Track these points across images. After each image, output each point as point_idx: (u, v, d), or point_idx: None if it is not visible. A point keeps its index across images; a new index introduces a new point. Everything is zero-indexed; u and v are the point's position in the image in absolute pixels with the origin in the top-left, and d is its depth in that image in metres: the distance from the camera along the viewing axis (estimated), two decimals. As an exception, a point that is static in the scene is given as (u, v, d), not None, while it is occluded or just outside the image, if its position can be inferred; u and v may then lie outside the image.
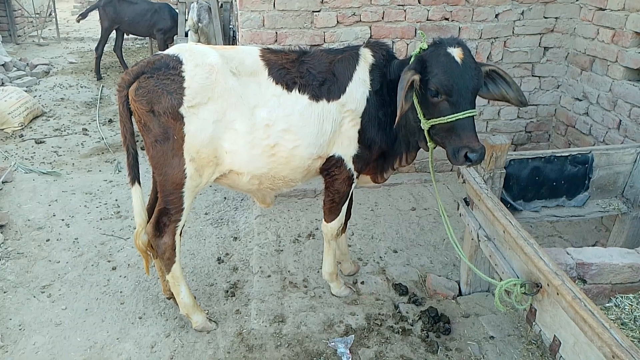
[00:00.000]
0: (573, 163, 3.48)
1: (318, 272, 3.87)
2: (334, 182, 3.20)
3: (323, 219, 3.40)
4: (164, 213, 3.02)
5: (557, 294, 2.30)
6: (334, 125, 3.00)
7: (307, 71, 2.97)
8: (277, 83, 2.92)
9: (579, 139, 4.93)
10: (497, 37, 4.85)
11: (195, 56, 2.79)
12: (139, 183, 3.01)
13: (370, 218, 4.66)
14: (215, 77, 2.77)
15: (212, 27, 7.71)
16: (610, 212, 3.64)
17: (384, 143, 3.13)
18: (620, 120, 4.35)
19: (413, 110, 2.84)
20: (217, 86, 2.77)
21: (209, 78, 2.76)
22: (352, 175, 3.18)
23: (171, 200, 2.96)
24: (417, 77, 2.68)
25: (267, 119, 2.88)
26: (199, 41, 7.54)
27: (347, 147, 3.08)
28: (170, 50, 2.89)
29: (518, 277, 2.70)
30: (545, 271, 2.39)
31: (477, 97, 2.77)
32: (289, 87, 2.93)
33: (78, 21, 10.12)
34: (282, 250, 4.18)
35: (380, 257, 4.12)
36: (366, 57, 3.04)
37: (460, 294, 3.72)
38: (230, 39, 8.10)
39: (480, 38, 4.84)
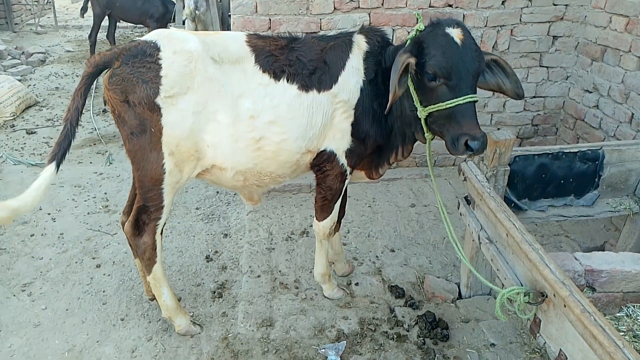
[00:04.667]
0: (582, 160, 3.26)
1: (310, 272, 3.67)
2: (326, 179, 2.99)
3: (314, 217, 3.20)
4: (143, 211, 2.83)
5: (565, 306, 2.10)
6: (325, 117, 2.79)
7: (296, 59, 2.76)
8: (264, 71, 2.71)
9: (588, 133, 4.69)
10: (503, 25, 4.60)
11: (174, 43, 2.58)
12: (57, 166, 2.49)
13: (367, 215, 4.45)
14: (194, 65, 2.57)
15: (209, 14, 7.47)
16: (621, 212, 3.42)
17: (379, 136, 2.92)
18: (633, 114, 4.12)
19: (409, 97, 2.64)
20: (197, 75, 2.57)
21: (188, 66, 2.56)
22: (345, 171, 2.98)
23: (150, 197, 2.77)
24: (412, 60, 2.48)
25: (252, 110, 2.68)
26: (196, 29, 7.32)
27: (339, 141, 2.88)
28: (147, 37, 2.69)
29: (522, 284, 2.51)
30: (551, 280, 2.18)
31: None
32: (276, 76, 2.72)
33: (82, 15, 10.14)
34: (273, 249, 3.98)
35: (377, 256, 3.92)
36: (360, 44, 2.83)
37: (460, 297, 3.52)
38: (229, 26, 7.87)
39: (485, 26, 4.60)
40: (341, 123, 2.83)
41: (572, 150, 3.23)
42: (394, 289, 3.51)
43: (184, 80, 2.55)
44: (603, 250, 4.04)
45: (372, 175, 3.20)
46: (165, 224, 2.93)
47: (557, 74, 4.92)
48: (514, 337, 3.12)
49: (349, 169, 2.99)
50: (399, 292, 3.49)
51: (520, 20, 4.63)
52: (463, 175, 3.07)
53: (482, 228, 2.93)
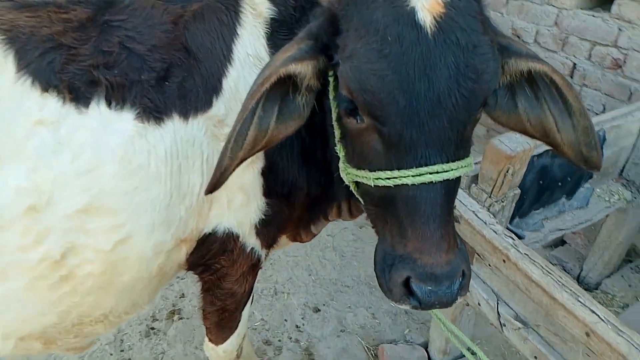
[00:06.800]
0: (583, 148, 2.25)
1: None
2: (223, 280, 1.53)
3: (207, 339, 1.73)
4: None
5: None
6: (207, 168, 1.29)
7: (121, 49, 1.19)
8: (45, 89, 1.11)
9: (507, 89, 3.79)
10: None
11: None
12: None
13: (263, 254, 3.03)
14: None
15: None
16: (617, 205, 2.55)
17: (314, 184, 1.50)
18: (575, 64, 3.25)
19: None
20: None
21: None
22: (259, 258, 1.54)
23: None
24: (302, 69, 1.04)
25: (33, 191, 1.09)
26: None
27: (241, 210, 1.41)
28: None
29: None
30: None
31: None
32: (78, 97, 1.14)
33: None
34: (129, 359, 2.39)
35: (297, 325, 2.57)
36: (257, 7, 1.33)
37: (432, 365, 2.41)
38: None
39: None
40: (242, 175, 1.35)
41: (571, 139, 2.19)
42: (344, 389, 2.26)
43: None
44: (563, 242, 3.25)
45: (301, 238, 1.81)
46: None
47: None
48: None
49: (264, 253, 1.55)
50: (352, 392, 2.24)
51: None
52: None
53: (500, 300, 1.76)
